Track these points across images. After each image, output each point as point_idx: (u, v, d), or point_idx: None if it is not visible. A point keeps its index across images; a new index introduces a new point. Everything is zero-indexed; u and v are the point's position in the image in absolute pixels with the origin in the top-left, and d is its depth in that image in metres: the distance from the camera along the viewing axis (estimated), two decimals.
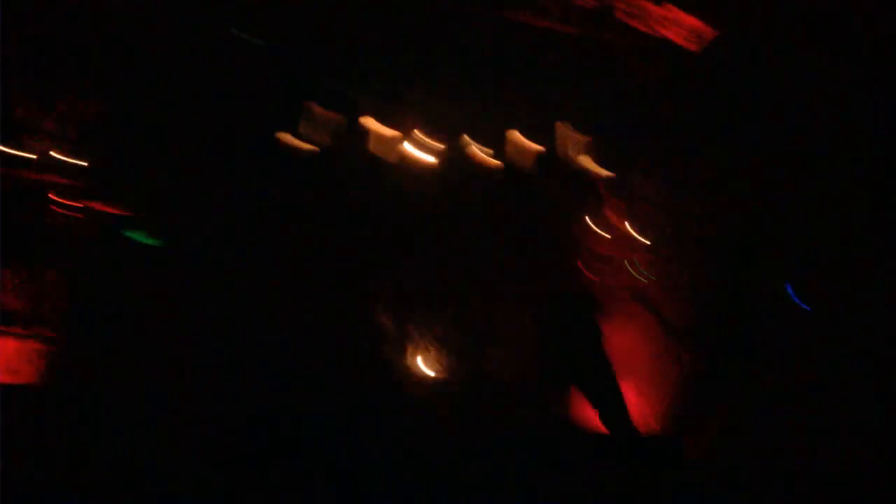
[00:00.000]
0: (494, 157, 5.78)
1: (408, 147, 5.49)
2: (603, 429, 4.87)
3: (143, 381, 4.92)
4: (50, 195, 5.74)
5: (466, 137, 5.60)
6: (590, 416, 5.29)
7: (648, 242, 6.94)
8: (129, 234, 5.87)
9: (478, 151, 5.63)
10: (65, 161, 5.82)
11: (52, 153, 5.78)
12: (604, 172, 5.77)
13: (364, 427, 3.98)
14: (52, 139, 5.78)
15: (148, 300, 5.55)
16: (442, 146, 5.71)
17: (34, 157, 5.76)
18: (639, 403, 5.66)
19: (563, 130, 5.75)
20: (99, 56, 5.73)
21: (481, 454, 3.80)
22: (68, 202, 5.83)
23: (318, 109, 5.42)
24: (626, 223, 6.94)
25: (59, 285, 5.70)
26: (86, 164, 5.87)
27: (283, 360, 4.87)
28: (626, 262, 6.74)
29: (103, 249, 5.84)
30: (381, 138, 5.52)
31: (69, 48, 5.69)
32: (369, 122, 5.39)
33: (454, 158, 5.79)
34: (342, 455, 3.78)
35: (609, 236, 6.86)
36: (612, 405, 4.77)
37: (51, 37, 5.64)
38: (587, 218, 6.53)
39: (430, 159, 5.62)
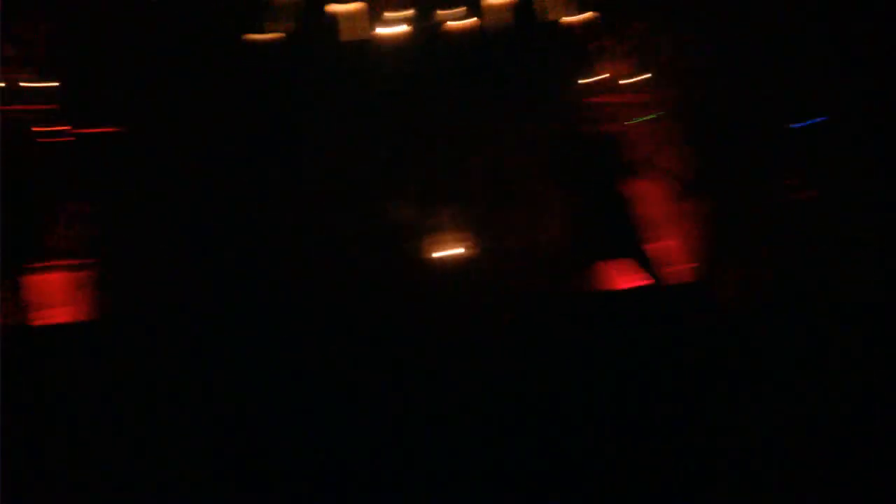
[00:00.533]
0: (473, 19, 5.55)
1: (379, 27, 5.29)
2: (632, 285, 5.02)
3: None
4: (33, 127, 5.64)
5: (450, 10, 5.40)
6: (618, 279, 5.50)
7: (641, 82, 6.89)
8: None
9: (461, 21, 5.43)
10: (38, 86, 5.67)
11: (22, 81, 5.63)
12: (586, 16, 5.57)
13: (393, 316, 4.10)
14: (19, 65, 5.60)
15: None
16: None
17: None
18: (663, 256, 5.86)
19: None
20: None
21: (512, 328, 3.97)
22: (53, 129, 5.74)
23: None
24: (617, 65, 6.86)
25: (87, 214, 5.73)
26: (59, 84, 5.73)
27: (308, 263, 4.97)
28: (623, 107, 6.74)
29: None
30: (349, 18, 5.27)
31: None
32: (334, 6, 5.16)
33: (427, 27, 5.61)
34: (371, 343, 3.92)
35: (602, 82, 6.81)
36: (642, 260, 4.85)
37: None
38: (578, 69, 6.43)
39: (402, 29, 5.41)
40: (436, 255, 5.25)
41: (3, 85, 5.42)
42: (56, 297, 5.29)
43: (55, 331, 4.46)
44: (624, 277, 5.12)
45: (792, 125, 6.79)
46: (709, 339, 3.84)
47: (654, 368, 3.81)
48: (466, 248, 5.30)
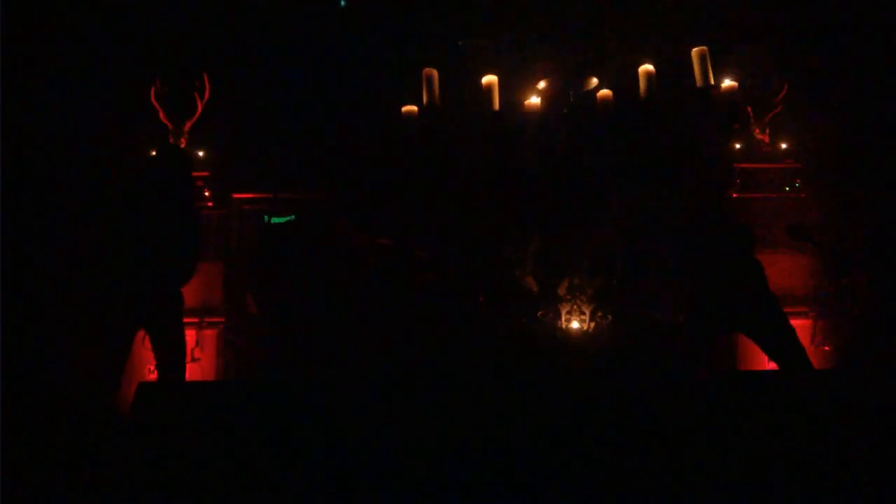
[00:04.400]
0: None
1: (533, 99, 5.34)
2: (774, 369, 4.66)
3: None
4: (204, 191, 6.08)
5: (594, 79, 5.38)
6: (758, 361, 5.16)
7: (790, 150, 6.55)
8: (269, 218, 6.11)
9: (606, 92, 5.38)
10: (206, 157, 6.12)
11: (197, 151, 6.09)
12: (729, 84, 5.34)
13: (516, 393, 3.99)
14: (193, 138, 6.08)
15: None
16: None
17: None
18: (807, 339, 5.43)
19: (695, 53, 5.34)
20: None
21: (640, 412, 3.76)
22: (213, 194, 6.16)
23: (434, 73, 5.26)
24: (766, 133, 6.57)
25: (222, 274, 6.10)
26: (223, 155, 6.17)
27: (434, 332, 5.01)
28: (772, 176, 6.42)
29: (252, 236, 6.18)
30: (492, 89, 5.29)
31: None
32: (489, 80, 5.23)
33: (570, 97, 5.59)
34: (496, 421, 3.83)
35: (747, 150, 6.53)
36: (785, 346, 4.48)
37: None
38: (725, 136, 6.21)
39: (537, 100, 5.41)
40: (566, 325, 5.15)
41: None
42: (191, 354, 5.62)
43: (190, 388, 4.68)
44: (759, 357, 4.79)
45: None
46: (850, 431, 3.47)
47: (790, 458, 3.49)
48: (597, 319, 5.16)
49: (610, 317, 5.00)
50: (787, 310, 4.65)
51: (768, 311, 4.53)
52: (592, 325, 5.02)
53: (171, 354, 4.69)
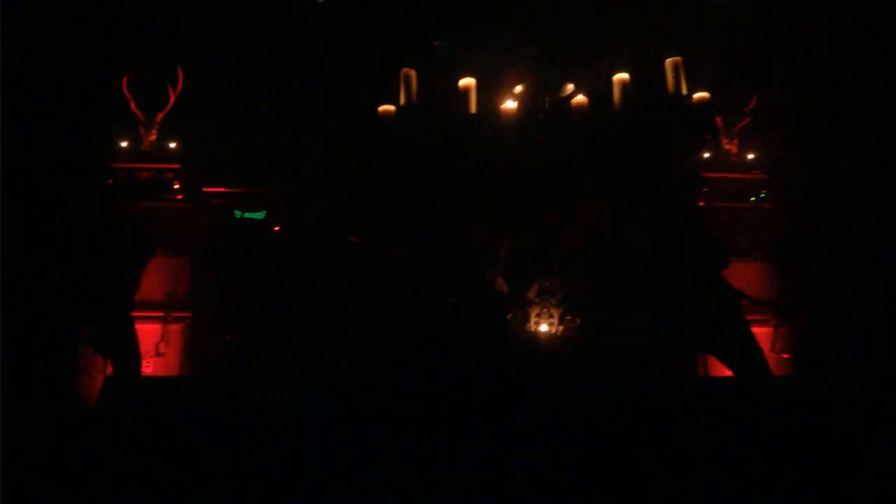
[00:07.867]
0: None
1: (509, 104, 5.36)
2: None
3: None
4: (174, 183, 6.02)
5: (570, 86, 5.43)
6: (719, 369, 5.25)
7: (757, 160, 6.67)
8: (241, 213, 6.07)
9: (582, 99, 5.41)
10: (177, 149, 6.06)
11: (169, 143, 6.03)
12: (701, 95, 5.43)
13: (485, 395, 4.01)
14: (164, 130, 6.02)
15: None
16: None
17: (149, 149, 6.01)
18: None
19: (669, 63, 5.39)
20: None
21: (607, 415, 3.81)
22: (182, 187, 6.10)
23: (413, 74, 5.25)
24: (735, 143, 6.69)
25: (189, 269, 6.02)
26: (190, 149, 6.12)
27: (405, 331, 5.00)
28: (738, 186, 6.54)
29: (222, 231, 6.12)
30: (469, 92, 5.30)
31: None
32: (467, 83, 5.24)
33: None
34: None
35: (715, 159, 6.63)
36: (749, 359, 4.52)
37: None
38: (695, 145, 6.31)
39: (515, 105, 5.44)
40: (532, 328, 5.18)
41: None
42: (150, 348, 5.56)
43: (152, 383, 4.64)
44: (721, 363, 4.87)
45: None
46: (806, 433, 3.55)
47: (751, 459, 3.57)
48: (566, 322, 5.19)
49: (578, 320, 5.05)
50: (749, 317, 4.75)
51: (736, 331, 4.55)
52: (561, 328, 5.07)
53: (124, 353, 4.63)
